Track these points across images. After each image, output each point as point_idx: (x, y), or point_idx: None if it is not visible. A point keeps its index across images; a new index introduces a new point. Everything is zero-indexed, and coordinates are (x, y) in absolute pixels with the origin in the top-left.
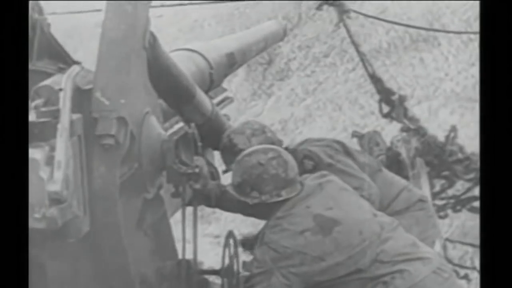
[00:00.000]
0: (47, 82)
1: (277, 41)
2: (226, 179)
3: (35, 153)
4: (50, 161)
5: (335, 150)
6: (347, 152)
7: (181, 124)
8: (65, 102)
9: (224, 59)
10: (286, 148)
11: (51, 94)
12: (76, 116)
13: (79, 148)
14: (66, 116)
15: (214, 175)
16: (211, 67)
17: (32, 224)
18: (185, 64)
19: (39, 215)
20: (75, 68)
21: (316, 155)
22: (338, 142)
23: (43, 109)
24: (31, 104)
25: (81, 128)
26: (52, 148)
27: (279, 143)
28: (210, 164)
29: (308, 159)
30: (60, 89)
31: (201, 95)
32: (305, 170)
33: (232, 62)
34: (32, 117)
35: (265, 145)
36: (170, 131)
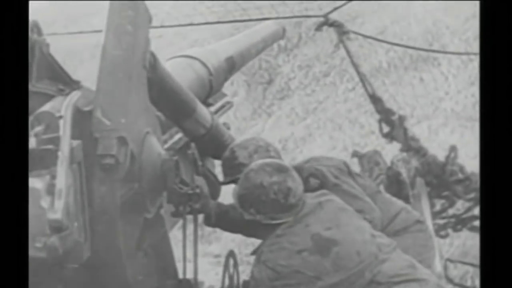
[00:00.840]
0: (47, 107)
1: (276, 40)
2: (224, 190)
3: (36, 182)
4: (50, 189)
5: (340, 171)
6: (350, 173)
7: (180, 134)
8: (65, 130)
9: (224, 64)
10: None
11: (51, 120)
12: (76, 142)
13: (80, 174)
14: (66, 144)
15: (215, 184)
16: (211, 73)
17: (33, 253)
18: (184, 72)
19: (40, 244)
20: (75, 94)
21: (322, 174)
22: (343, 162)
23: (44, 136)
24: (31, 132)
25: (81, 154)
26: (53, 177)
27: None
28: (210, 172)
29: (314, 178)
30: (60, 117)
31: (201, 108)
32: (310, 188)
33: (231, 66)
34: (32, 144)
35: (278, 162)
36: (170, 141)
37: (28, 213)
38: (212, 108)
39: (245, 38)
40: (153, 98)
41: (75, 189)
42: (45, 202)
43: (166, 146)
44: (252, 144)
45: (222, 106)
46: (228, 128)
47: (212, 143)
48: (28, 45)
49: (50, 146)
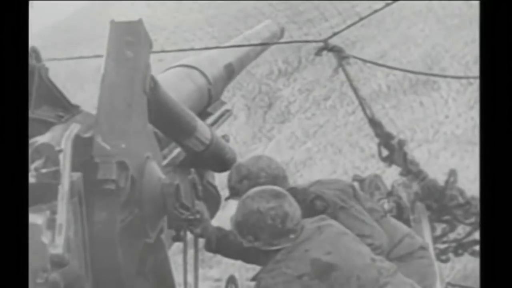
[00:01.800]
0: (47, 138)
1: (274, 41)
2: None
3: (36, 218)
4: (51, 224)
5: (347, 194)
6: (356, 197)
7: (179, 148)
8: (65, 164)
9: (223, 72)
10: (294, 188)
11: (51, 153)
12: (76, 175)
13: (80, 206)
14: (66, 179)
15: (215, 195)
16: (210, 82)
17: None
18: (182, 83)
19: (41, 280)
20: (75, 127)
21: (329, 197)
22: (350, 186)
23: (43, 170)
24: (31, 166)
25: (82, 186)
26: (53, 212)
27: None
28: (210, 184)
29: (320, 200)
30: (61, 150)
31: (201, 125)
32: (315, 210)
33: (230, 73)
34: (32, 179)
35: (274, 188)
36: (170, 156)
37: (28, 249)
38: (212, 118)
39: (244, 42)
40: (153, 120)
41: (75, 223)
42: (45, 238)
43: (165, 161)
44: (246, 168)
45: (222, 115)
46: (228, 141)
47: (212, 157)
48: (28, 76)
49: (50, 180)
